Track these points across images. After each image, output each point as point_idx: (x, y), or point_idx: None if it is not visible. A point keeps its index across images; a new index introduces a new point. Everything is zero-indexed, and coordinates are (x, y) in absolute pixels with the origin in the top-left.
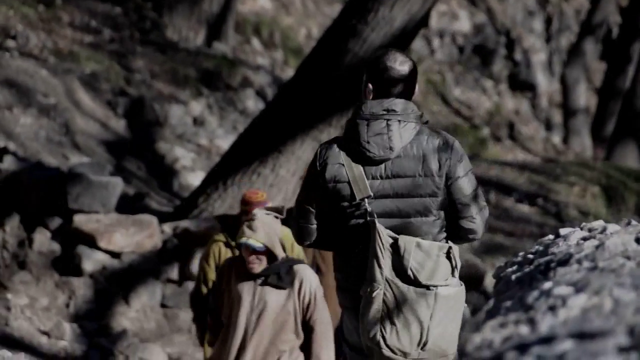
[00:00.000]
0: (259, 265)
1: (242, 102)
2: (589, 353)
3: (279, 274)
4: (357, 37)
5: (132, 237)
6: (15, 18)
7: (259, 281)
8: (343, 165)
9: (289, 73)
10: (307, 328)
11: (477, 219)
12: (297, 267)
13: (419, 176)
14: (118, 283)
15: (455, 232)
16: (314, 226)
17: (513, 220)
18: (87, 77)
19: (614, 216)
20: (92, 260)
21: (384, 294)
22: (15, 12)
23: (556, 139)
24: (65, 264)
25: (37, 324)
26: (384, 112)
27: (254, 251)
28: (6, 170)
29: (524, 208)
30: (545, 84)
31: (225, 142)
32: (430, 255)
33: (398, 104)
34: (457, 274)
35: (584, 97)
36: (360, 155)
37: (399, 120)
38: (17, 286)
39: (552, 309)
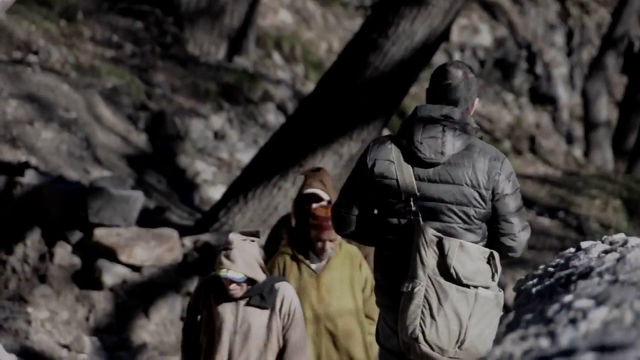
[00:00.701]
0: (240, 291)
1: (262, 116)
2: None
3: (262, 294)
4: (378, 51)
5: (153, 250)
6: (37, 33)
7: (242, 302)
8: (393, 162)
9: (309, 87)
10: (284, 346)
11: (518, 238)
12: (278, 285)
13: (466, 185)
14: (138, 296)
15: (496, 247)
16: (355, 217)
17: (534, 233)
18: (108, 92)
19: (635, 229)
20: (112, 274)
21: (426, 290)
22: (37, 27)
23: (577, 152)
24: (86, 278)
25: (58, 337)
26: (442, 118)
27: (234, 281)
28: (27, 184)
29: (545, 221)
30: (567, 97)
31: (245, 156)
32: (472, 258)
33: (457, 112)
34: (497, 278)
35: (605, 111)
36: (411, 155)
37: (455, 129)
38: (37, 300)
39: (573, 322)
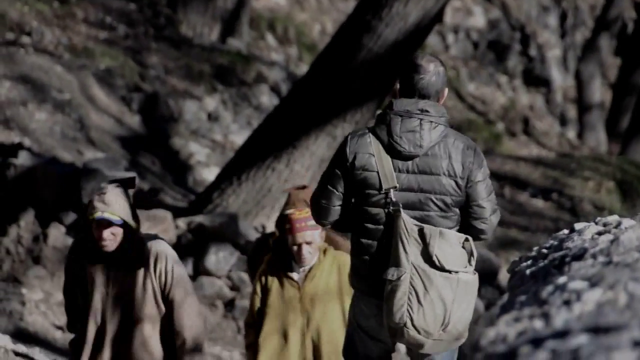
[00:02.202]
0: (112, 242)
1: (256, 98)
2: (604, 347)
3: (133, 253)
4: (372, 33)
5: (147, 232)
6: (30, 14)
7: (113, 262)
8: (373, 155)
9: (303, 69)
10: (168, 301)
11: (489, 221)
12: (151, 243)
13: (443, 175)
14: None
15: (468, 231)
16: (336, 208)
17: (527, 215)
18: (102, 73)
19: (628, 211)
20: None
21: (411, 277)
22: (30, 9)
23: (571, 134)
24: None
25: (52, 318)
26: (418, 112)
27: (109, 225)
28: (21, 165)
29: (539, 203)
30: (560, 79)
31: (239, 138)
32: (451, 244)
33: (432, 106)
34: (473, 262)
35: (599, 93)
36: (390, 149)
37: (431, 122)
38: (31, 281)
39: (567, 303)
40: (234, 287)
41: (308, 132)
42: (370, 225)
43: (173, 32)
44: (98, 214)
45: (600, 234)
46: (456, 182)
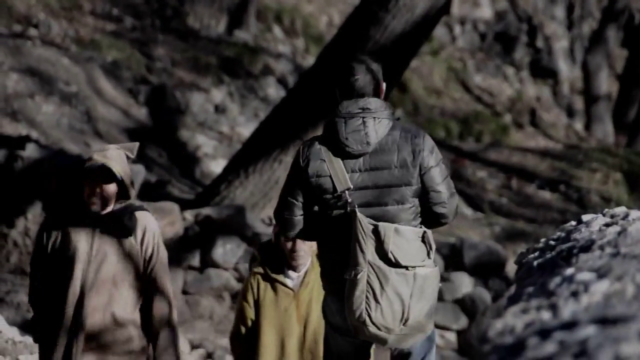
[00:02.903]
0: (103, 201)
1: (263, 90)
2: (611, 338)
3: (122, 219)
4: (379, 25)
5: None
6: (38, 7)
7: (98, 229)
8: (324, 160)
9: (310, 61)
10: (147, 280)
11: (448, 205)
12: (140, 213)
13: (395, 168)
14: None
15: (429, 217)
16: (298, 218)
17: (535, 206)
18: (109, 65)
19: (636, 202)
20: None
21: (368, 275)
22: (37, 1)
23: (578, 125)
24: None
25: None
26: (360, 111)
27: (106, 180)
28: (28, 157)
29: (546, 194)
30: (567, 70)
31: (246, 130)
32: (407, 240)
33: (372, 102)
34: (432, 255)
35: (606, 84)
36: (340, 151)
37: (374, 117)
38: None
39: (575, 294)
40: (241, 279)
41: (315, 124)
42: (330, 228)
43: (180, 24)
44: (97, 163)
45: (607, 225)
46: (408, 172)
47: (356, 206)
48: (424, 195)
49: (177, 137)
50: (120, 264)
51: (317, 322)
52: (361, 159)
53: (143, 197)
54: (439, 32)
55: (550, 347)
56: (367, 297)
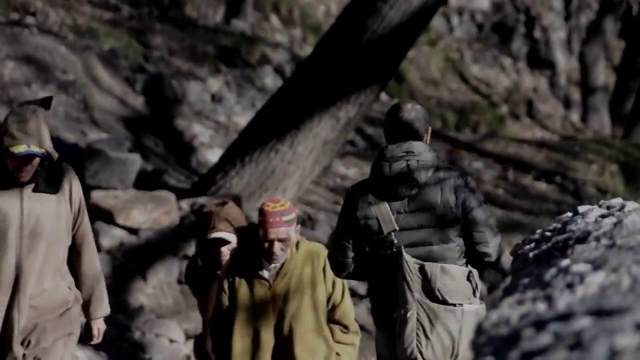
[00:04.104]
0: (31, 172)
1: (260, 79)
2: (607, 330)
3: (48, 177)
4: (376, 15)
5: (150, 213)
6: None
7: (26, 190)
8: (371, 203)
9: (307, 50)
10: (75, 235)
11: (491, 244)
12: (64, 166)
13: (439, 208)
14: (135, 259)
15: (473, 256)
16: (350, 260)
17: (531, 198)
18: (106, 54)
19: (632, 194)
20: (109, 237)
21: (417, 313)
22: None
23: (575, 116)
24: None
25: None
26: (404, 154)
27: (31, 159)
28: None
29: (542, 186)
30: (564, 61)
31: (243, 119)
32: (453, 278)
33: (415, 145)
34: (478, 294)
35: (603, 75)
36: (385, 193)
37: (417, 160)
38: None
39: (570, 286)
40: None
41: (312, 114)
42: (379, 268)
43: (177, 13)
44: (22, 148)
45: (603, 216)
46: (452, 213)
47: (402, 247)
48: (468, 235)
49: (174, 126)
50: (53, 224)
51: (293, 314)
52: (406, 201)
53: (139, 186)
54: (437, 22)
55: (545, 339)
56: (417, 335)
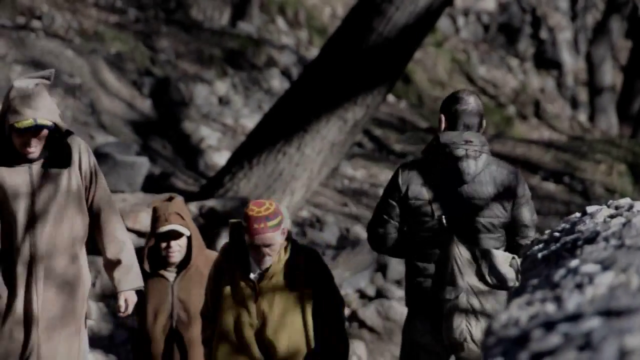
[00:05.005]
0: (39, 147)
1: (267, 82)
2: (616, 330)
3: (57, 151)
4: (382, 16)
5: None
6: None
7: (35, 165)
8: (425, 185)
9: (313, 52)
10: (92, 207)
11: (532, 238)
12: (71, 138)
13: (489, 199)
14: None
15: (512, 248)
16: (392, 235)
17: (539, 198)
18: (113, 57)
19: None
20: None
21: (467, 296)
22: None
23: (582, 117)
24: (91, 244)
25: None
26: (463, 143)
27: (39, 132)
28: None
29: (550, 186)
30: (571, 62)
31: (250, 122)
32: (500, 263)
33: (474, 136)
34: (520, 278)
35: (610, 75)
36: (440, 178)
37: (475, 151)
38: None
39: (579, 286)
40: None
41: (319, 115)
42: (424, 250)
43: (183, 15)
44: (28, 122)
45: (612, 217)
46: (502, 205)
47: (454, 231)
48: (513, 229)
49: (181, 129)
50: (64, 199)
51: (278, 319)
52: (459, 188)
53: (147, 189)
54: (443, 23)
55: (554, 339)
56: (467, 316)
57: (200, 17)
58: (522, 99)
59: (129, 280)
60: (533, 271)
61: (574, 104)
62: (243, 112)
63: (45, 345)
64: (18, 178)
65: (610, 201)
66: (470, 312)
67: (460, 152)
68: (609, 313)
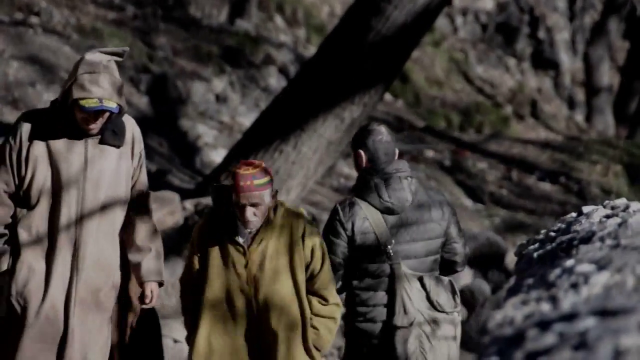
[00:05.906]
0: (99, 125)
1: (264, 80)
2: (611, 330)
3: (114, 129)
4: (380, 15)
5: (154, 213)
6: None
7: (91, 141)
8: (367, 218)
9: (311, 50)
10: (132, 191)
11: (462, 255)
12: (127, 117)
13: (429, 222)
14: None
15: (445, 266)
16: (340, 272)
17: (535, 198)
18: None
19: (636, 194)
20: None
21: (419, 323)
22: None
23: (579, 117)
24: None
25: None
26: (395, 171)
27: (102, 112)
28: None
29: (546, 186)
30: (569, 62)
31: (247, 120)
32: (444, 287)
33: (401, 163)
34: (458, 300)
35: (607, 76)
36: (381, 209)
37: (407, 177)
38: None
39: (574, 286)
40: None
41: (316, 114)
42: (370, 280)
43: (181, 13)
44: (93, 103)
45: (608, 217)
46: (440, 226)
47: (400, 259)
48: (445, 246)
49: (178, 126)
50: (112, 178)
51: (268, 283)
52: (400, 215)
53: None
54: (441, 22)
55: (549, 339)
56: (421, 342)
57: (198, 14)
58: (519, 99)
59: (151, 274)
60: (528, 270)
61: (571, 104)
62: (240, 109)
63: (78, 329)
64: (74, 151)
65: (606, 201)
66: (424, 337)
67: (395, 180)
68: (604, 313)
